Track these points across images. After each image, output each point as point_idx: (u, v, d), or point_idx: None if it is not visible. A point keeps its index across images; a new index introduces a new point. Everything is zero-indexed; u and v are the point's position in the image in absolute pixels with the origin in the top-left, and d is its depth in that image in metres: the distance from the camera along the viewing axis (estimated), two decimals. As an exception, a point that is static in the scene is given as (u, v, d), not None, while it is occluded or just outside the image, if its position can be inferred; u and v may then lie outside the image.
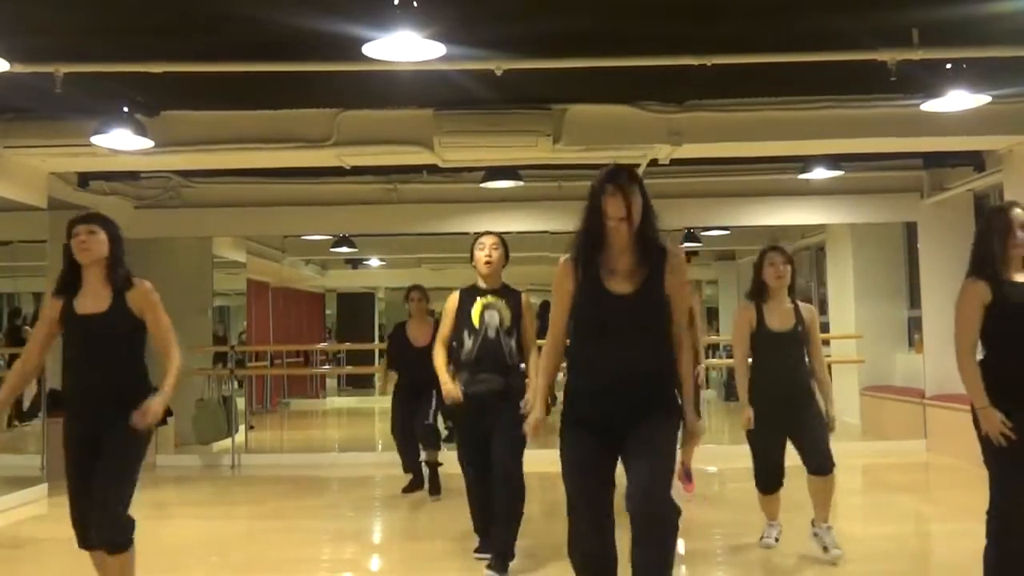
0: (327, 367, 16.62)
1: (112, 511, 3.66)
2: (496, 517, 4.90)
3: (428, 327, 7.09)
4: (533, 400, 3.78)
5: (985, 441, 3.65)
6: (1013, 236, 3.70)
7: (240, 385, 11.83)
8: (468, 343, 4.94)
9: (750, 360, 5.15)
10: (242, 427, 10.79)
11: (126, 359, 3.81)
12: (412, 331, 7.30)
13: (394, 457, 7.46)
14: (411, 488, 7.27)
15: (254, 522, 6.75)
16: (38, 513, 7.00)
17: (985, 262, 3.74)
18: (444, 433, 7.68)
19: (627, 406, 3.19)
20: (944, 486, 7.72)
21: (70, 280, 3.81)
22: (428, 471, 7.24)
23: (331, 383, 17.27)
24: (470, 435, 5.02)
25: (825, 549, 5.04)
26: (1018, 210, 3.76)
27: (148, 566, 4.86)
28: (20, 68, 5.31)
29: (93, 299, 3.76)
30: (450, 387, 4.99)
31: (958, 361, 3.79)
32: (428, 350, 6.94)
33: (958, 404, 8.51)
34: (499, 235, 5.19)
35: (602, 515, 3.21)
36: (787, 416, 4.98)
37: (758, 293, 5.08)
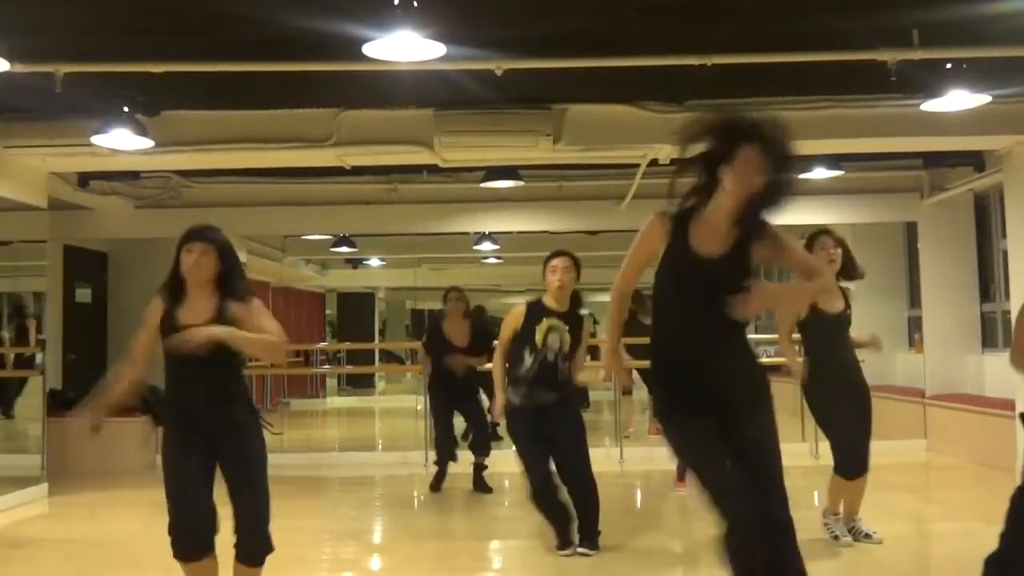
0: (327, 367, 16.62)
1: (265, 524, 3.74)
2: (579, 510, 5.14)
3: (466, 327, 7.29)
4: None
5: None
6: None
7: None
8: (528, 360, 5.09)
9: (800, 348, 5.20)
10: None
11: (224, 372, 3.64)
12: (449, 330, 7.34)
13: (394, 457, 7.46)
14: (438, 483, 7.37)
15: (254, 522, 6.73)
16: (38, 513, 6.99)
17: None
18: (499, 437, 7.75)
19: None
20: (944, 486, 7.72)
21: (176, 290, 3.66)
22: (474, 472, 7.32)
23: (331, 383, 17.27)
24: (531, 439, 5.16)
25: (836, 537, 5.16)
26: None
27: (148, 566, 4.86)
28: (20, 68, 5.31)
29: (196, 311, 3.59)
30: (501, 400, 5.22)
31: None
32: (467, 351, 7.08)
33: (958, 404, 8.53)
34: (572, 256, 5.25)
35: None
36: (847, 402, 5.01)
37: None
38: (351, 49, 4.90)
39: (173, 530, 3.55)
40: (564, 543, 5.14)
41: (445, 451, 7.41)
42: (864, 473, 5.07)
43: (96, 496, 7.47)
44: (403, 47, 4.80)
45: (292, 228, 10.87)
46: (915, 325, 10.05)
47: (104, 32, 5.25)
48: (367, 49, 4.84)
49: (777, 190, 2.97)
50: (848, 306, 5.10)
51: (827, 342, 5.07)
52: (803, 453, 7.98)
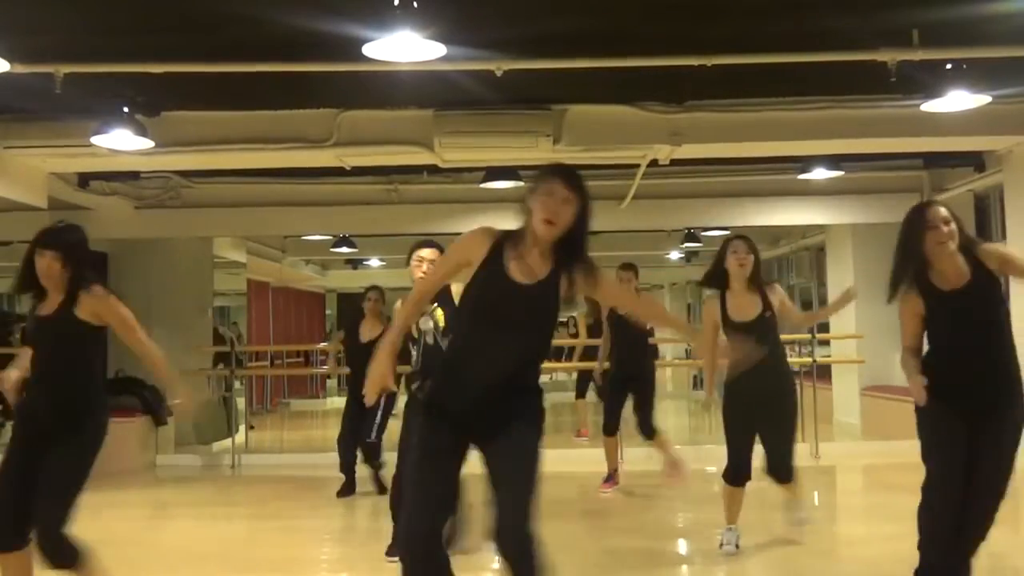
0: (327, 367, 16.63)
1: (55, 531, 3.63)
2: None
3: (379, 329, 7.33)
4: None
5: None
6: (936, 232, 3.82)
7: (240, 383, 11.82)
8: (414, 354, 4.84)
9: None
10: (242, 427, 10.79)
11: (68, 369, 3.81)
12: (365, 331, 7.48)
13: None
14: (344, 490, 7.50)
15: (254, 522, 6.75)
16: (38, 513, 6.99)
17: (910, 270, 3.93)
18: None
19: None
20: (944, 486, 7.70)
21: (34, 285, 3.86)
22: (373, 473, 7.43)
23: (331, 383, 17.26)
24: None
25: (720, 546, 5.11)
26: (937, 207, 3.89)
27: (148, 566, 4.87)
28: (20, 68, 5.31)
29: (49, 305, 3.83)
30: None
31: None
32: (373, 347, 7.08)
33: (958, 404, 8.51)
34: (440, 248, 5.03)
35: None
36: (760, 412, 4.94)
37: (720, 283, 4.98)
38: (351, 49, 4.90)
39: None
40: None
41: (344, 456, 7.52)
42: (745, 479, 5.03)
43: (96, 496, 7.44)
44: (403, 47, 4.80)
45: (292, 228, 10.87)
46: (915, 325, 10.04)
47: (104, 32, 5.26)
48: (367, 49, 4.84)
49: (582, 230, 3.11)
50: (767, 309, 4.89)
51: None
52: (803, 454, 7.98)
